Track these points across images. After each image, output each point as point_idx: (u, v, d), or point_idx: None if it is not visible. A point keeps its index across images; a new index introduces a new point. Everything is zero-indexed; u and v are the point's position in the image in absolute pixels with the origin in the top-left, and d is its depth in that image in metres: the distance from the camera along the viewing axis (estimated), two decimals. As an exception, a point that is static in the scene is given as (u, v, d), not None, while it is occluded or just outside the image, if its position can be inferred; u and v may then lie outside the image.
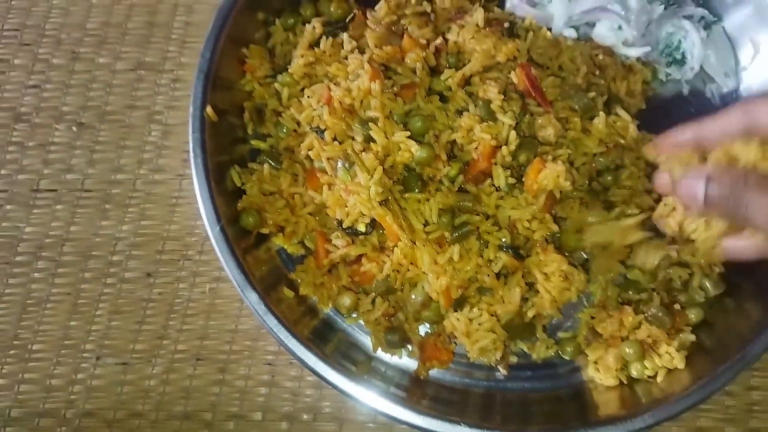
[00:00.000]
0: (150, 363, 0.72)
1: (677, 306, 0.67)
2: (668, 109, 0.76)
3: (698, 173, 0.57)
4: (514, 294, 0.65)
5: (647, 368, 0.66)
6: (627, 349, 0.66)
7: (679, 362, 0.65)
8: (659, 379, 0.66)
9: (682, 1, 0.77)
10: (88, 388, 0.72)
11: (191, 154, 0.66)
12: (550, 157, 0.66)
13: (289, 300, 0.69)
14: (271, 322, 0.63)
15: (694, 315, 0.67)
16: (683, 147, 0.60)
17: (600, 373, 0.68)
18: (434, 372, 0.69)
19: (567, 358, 0.69)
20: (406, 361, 0.69)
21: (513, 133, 0.65)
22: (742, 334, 0.64)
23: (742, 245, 0.59)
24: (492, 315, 0.66)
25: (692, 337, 0.66)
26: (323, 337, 0.69)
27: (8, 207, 0.77)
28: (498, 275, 0.66)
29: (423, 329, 0.70)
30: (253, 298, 0.64)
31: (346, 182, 0.64)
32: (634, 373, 0.67)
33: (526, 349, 0.70)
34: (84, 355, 0.73)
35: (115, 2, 0.83)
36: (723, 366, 0.62)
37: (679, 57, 0.76)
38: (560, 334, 0.70)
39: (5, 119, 0.80)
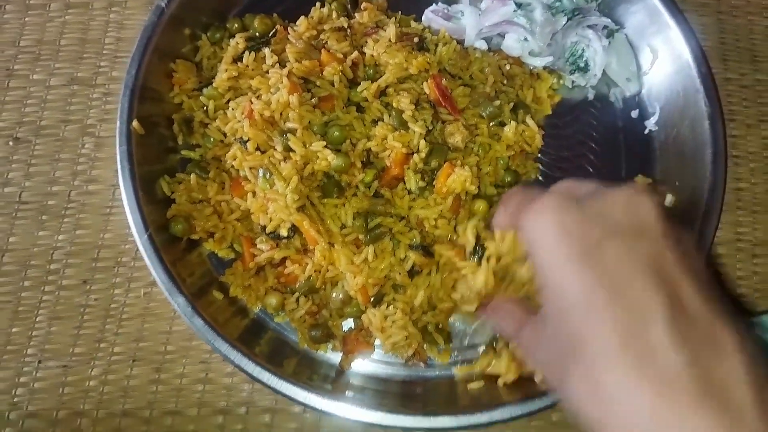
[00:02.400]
0: (89, 365, 0.75)
1: None
2: (575, 113, 0.82)
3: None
4: (420, 293, 0.69)
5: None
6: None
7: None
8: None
9: (587, 12, 0.81)
10: (31, 390, 0.74)
11: (119, 167, 0.69)
12: (459, 162, 0.71)
13: (219, 302, 0.73)
14: (198, 323, 0.67)
15: None
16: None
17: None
18: (357, 363, 0.73)
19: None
20: (331, 355, 0.74)
21: (423, 141, 0.70)
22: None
23: None
24: (405, 314, 0.69)
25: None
26: (254, 335, 0.73)
27: (-52, 221, 0.79)
28: (410, 273, 0.71)
29: (347, 324, 0.74)
30: (180, 301, 0.67)
31: (265, 190, 0.68)
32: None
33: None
34: (26, 359, 0.75)
35: (48, 20, 0.85)
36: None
37: (582, 65, 0.80)
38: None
39: (-58, 136, 0.82)
